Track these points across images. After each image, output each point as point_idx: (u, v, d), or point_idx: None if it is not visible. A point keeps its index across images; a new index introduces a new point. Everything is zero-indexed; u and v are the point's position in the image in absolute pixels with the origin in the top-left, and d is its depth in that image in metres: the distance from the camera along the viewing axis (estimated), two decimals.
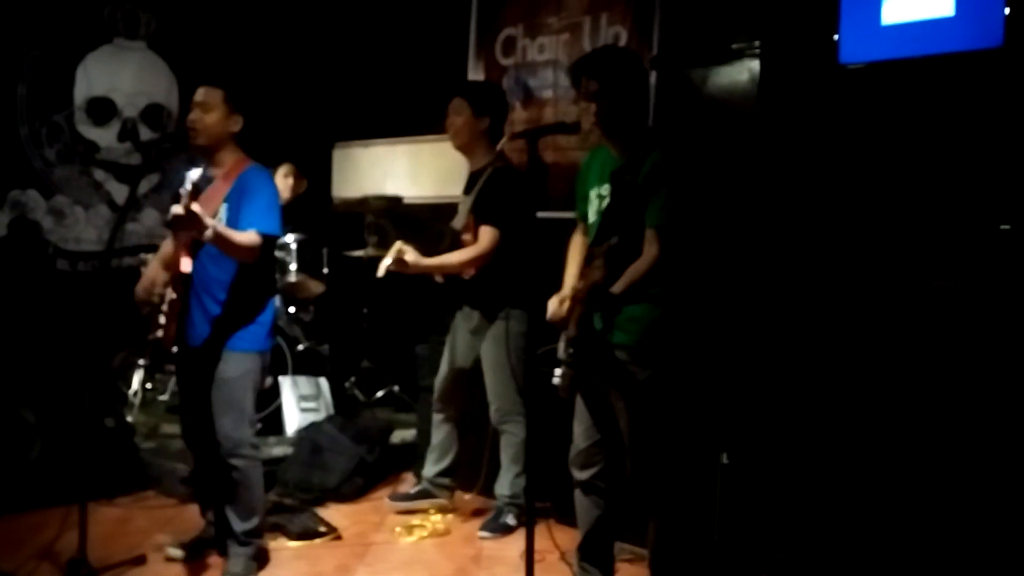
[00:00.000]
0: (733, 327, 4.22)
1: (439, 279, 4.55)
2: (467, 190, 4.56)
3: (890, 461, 3.60)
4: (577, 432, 3.55)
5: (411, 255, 4.24)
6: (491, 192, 4.39)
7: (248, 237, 3.65)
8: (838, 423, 3.76)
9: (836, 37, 4.09)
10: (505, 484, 4.58)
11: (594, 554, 3.60)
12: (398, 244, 4.25)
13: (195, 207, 3.38)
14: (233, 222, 3.71)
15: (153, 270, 3.96)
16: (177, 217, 3.37)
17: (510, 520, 4.53)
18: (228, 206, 3.74)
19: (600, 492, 3.53)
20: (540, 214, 3.24)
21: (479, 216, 4.39)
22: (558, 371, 3.20)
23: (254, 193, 3.71)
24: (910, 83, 3.93)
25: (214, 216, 3.62)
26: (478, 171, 4.52)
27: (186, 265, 3.68)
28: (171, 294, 3.71)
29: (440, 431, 4.76)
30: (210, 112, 3.76)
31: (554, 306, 3.36)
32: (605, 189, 3.41)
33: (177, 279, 3.70)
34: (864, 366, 3.86)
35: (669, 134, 3.44)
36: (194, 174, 3.45)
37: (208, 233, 3.46)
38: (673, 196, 3.27)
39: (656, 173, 3.28)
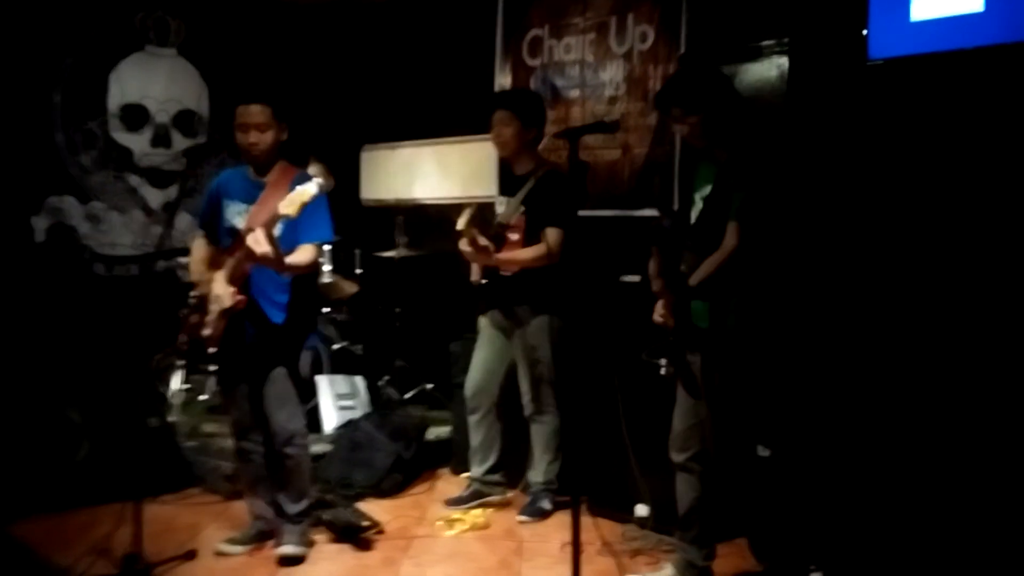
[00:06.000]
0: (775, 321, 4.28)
1: (506, 272, 4.60)
2: (511, 191, 4.65)
3: (940, 460, 3.64)
4: (676, 416, 3.69)
5: (484, 240, 4.45)
6: (550, 195, 4.49)
7: (308, 254, 3.89)
8: (878, 420, 3.83)
9: (865, 33, 4.12)
10: (539, 472, 4.71)
11: (692, 534, 3.73)
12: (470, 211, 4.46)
13: (288, 259, 3.76)
14: (290, 234, 3.86)
15: (201, 274, 4.03)
16: (257, 254, 3.60)
17: (546, 504, 4.68)
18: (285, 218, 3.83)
19: (696, 473, 3.67)
20: (580, 212, 3.31)
21: (543, 218, 4.48)
22: (663, 361, 3.47)
23: (310, 206, 3.71)
24: (940, 78, 3.96)
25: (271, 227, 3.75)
26: (525, 174, 4.61)
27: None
28: (227, 294, 3.82)
29: (479, 431, 4.84)
30: (267, 131, 3.94)
31: (659, 311, 3.56)
32: (708, 190, 3.54)
33: (237, 280, 3.82)
34: (889, 362, 3.93)
35: (763, 136, 3.55)
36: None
37: (286, 274, 3.82)
38: (754, 193, 3.40)
39: (743, 172, 3.42)
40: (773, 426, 3.94)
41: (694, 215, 3.60)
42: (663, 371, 3.50)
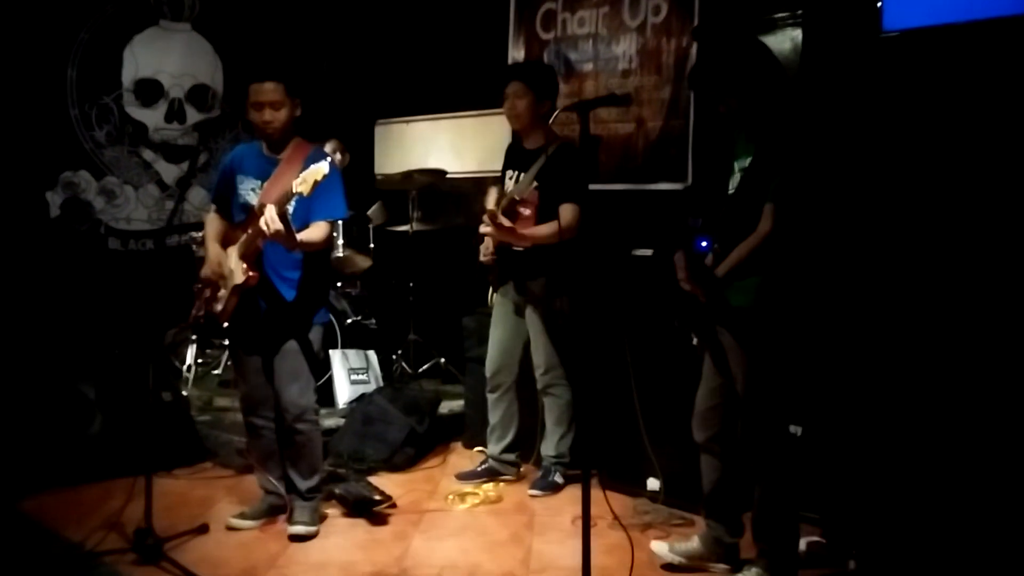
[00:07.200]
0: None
1: (519, 247, 4.55)
2: (522, 165, 4.60)
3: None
4: (700, 395, 3.68)
5: (506, 221, 4.42)
6: (564, 169, 4.43)
7: (321, 231, 3.89)
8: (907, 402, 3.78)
9: (879, 4, 4.06)
10: (551, 445, 4.72)
11: (717, 511, 3.72)
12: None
13: (300, 236, 3.74)
14: (303, 210, 3.87)
15: (214, 250, 4.03)
16: (269, 232, 3.60)
17: (558, 478, 4.69)
18: (298, 196, 3.81)
19: (716, 454, 3.66)
20: (593, 186, 3.26)
21: (558, 194, 4.40)
22: (694, 334, 3.51)
23: (324, 183, 3.68)
24: (955, 49, 3.91)
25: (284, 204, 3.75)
26: (537, 148, 4.56)
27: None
28: (239, 269, 3.83)
29: (497, 409, 4.83)
30: (282, 108, 3.92)
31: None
32: (747, 162, 3.46)
33: (250, 256, 3.83)
34: (892, 352, 3.90)
35: (805, 114, 3.45)
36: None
37: (299, 251, 3.80)
38: (793, 175, 3.31)
39: (783, 153, 3.33)
40: (806, 405, 3.90)
41: (732, 184, 3.52)
42: (695, 341, 3.53)
